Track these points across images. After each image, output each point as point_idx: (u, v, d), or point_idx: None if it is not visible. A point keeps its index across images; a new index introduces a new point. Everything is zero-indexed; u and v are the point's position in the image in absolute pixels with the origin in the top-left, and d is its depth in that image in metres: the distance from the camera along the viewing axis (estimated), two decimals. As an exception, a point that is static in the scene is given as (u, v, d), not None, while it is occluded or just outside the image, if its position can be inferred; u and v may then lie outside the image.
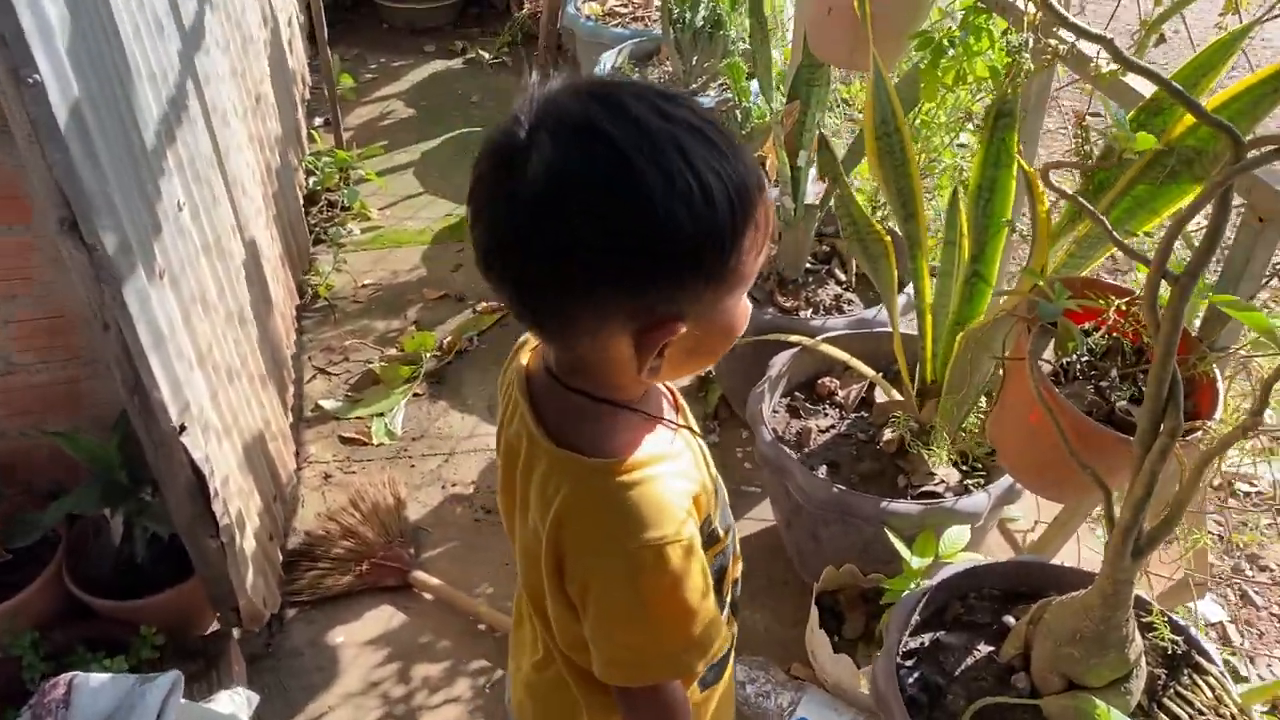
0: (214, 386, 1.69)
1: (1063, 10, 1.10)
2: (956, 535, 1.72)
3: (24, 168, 1.28)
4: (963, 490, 1.86)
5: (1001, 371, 1.86)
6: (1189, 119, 1.37)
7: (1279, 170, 1.29)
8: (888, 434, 1.98)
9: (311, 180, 3.37)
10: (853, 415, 2.06)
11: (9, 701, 1.65)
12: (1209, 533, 1.77)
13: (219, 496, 1.61)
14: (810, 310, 2.32)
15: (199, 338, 1.63)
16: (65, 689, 1.47)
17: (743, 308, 0.88)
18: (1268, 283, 1.36)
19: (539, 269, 0.81)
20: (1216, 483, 1.83)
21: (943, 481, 1.88)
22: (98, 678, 1.51)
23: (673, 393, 1.07)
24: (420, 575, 2.13)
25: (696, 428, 1.06)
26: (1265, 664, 2.18)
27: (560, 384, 0.93)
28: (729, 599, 1.11)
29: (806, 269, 2.40)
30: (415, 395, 2.66)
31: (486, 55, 4.58)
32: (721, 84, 3.25)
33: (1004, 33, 1.64)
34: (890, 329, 2.20)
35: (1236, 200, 1.17)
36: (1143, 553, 1.27)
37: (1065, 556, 1.98)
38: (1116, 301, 1.47)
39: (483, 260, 0.85)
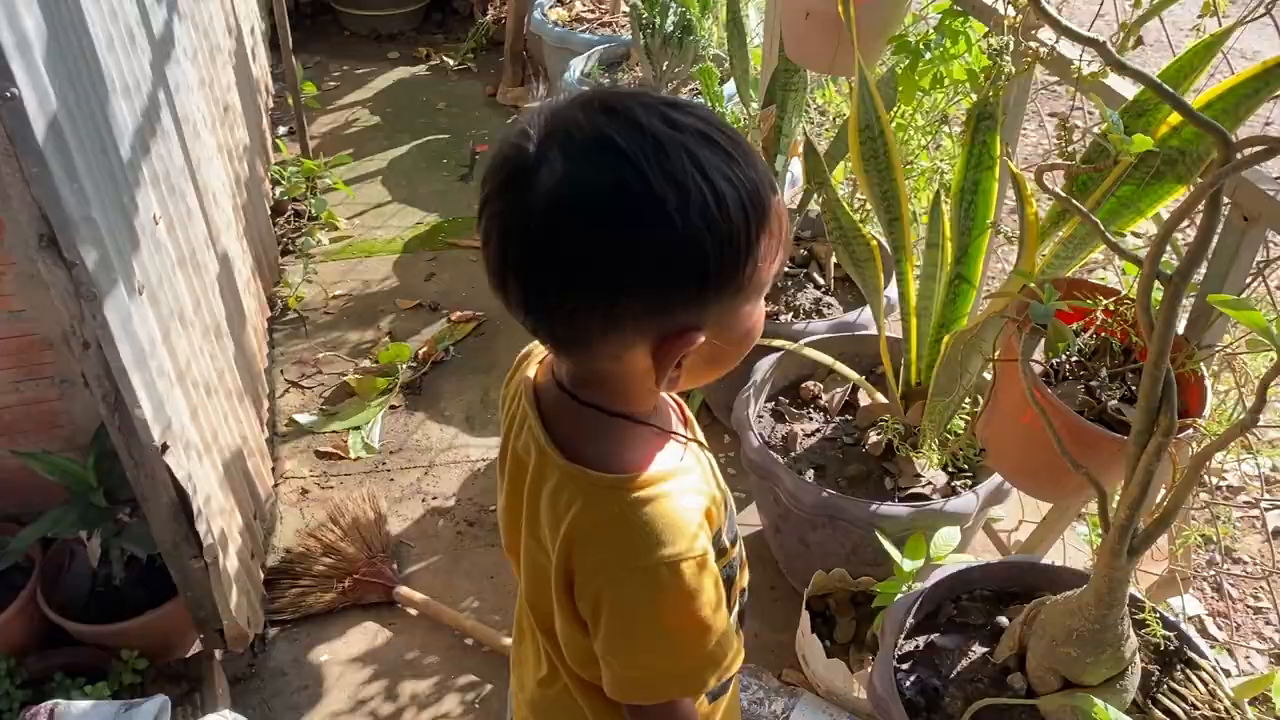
0: (193, 403, 1.65)
1: (1055, 14, 1.10)
2: (947, 537, 1.72)
3: (-1, 184, 1.25)
4: (950, 491, 1.86)
5: (989, 373, 1.88)
6: (1173, 120, 1.39)
7: (1263, 170, 1.31)
8: (873, 437, 1.98)
9: (278, 190, 3.32)
10: (837, 419, 2.07)
11: (-13, 732, 1.61)
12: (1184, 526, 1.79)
13: (202, 516, 1.58)
14: (790, 314, 2.32)
15: (178, 354, 1.59)
16: (48, 717, 1.44)
17: (760, 313, 0.88)
18: (1254, 281, 1.38)
19: (554, 285, 0.80)
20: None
21: (930, 483, 1.89)
22: (80, 705, 1.47)
23: (680, 405, 1.06)
24: (404, 590, 2.10)
25: (704, 440, 1.06)
26: (1243, 655, 2.21)
27: (572, 398, 0.92)
28: (737, 608, 1.10)
29: (786, 273, 2.40)
30: (392, 407, 2.63)
31: (451, 61, 4.55)
32: (692, 89, 3.26)
33: (984, 35, 1.65)
34: (871, 332, 2.21)
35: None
36: (1138, 551, 1.28)
37: (1050, 555, 1.99)
38: (1104, 301, 1.48)
39: (496, 276, 0.84)
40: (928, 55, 1.98)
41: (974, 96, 2.03)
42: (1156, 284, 1.15)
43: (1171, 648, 1.49)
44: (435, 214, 3.50)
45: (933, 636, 1.58)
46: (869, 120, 1.68)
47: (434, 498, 2.38)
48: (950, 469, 1.88)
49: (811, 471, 1.92)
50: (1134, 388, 1.47)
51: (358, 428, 2.54)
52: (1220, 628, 2.33)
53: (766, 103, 2.29)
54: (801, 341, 2.07)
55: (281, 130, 3.86)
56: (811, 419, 2.07)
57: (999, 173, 1.72)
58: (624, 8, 3.86)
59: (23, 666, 1.71)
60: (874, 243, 1.77)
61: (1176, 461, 1.26)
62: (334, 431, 2.54)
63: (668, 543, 0.87)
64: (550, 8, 3.89)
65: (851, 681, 1.80)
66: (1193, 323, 1.45)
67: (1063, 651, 1.38)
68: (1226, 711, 1.44)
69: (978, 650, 1.56)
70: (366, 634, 2.06)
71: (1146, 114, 1.41)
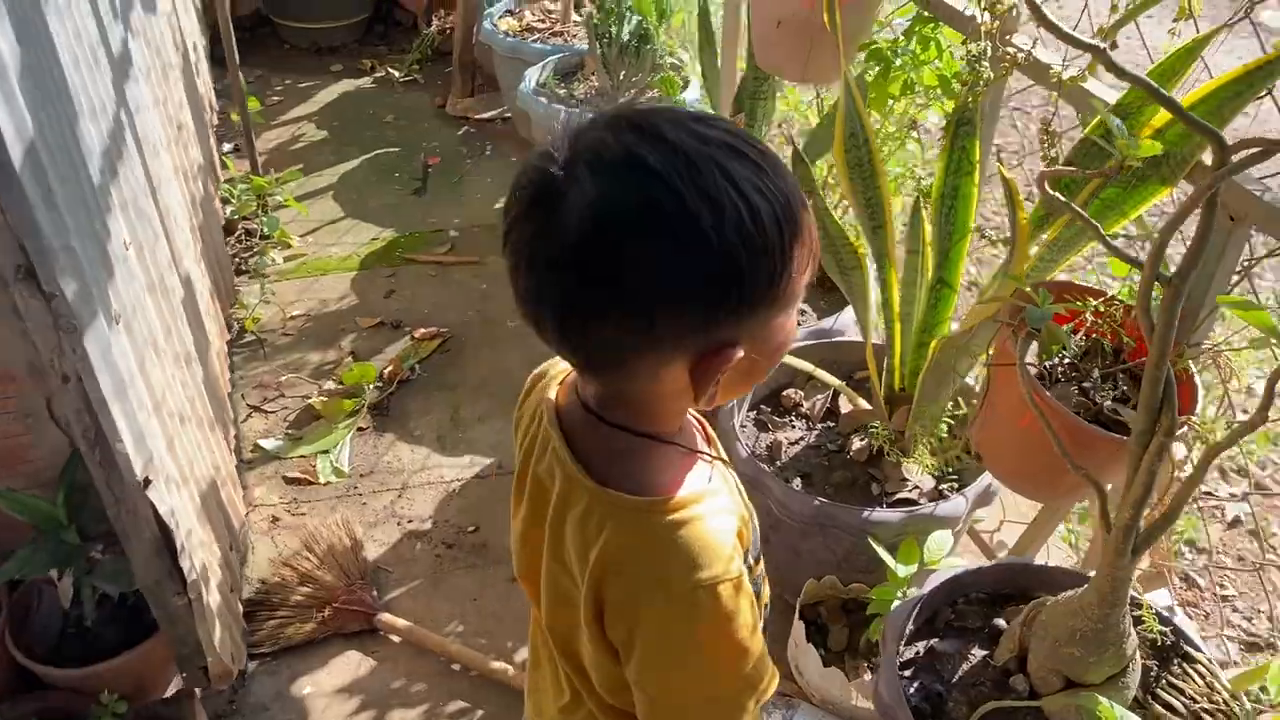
0: (169, 434, 1.59)
1: (1057, 23, 1.11)
2: (941, 541, 1.73)
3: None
4: (938, 495, 1.87)
5: (971, 377, 1.90)
6: (1157, 123, 1.41)
7: (1249, 171, 1.34)
8: (856, 443, 1.99)
9: (228, 209, 3.24)
10: (819, 426, 2.07)
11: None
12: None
13: (185, 551, 1.52)
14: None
15: (154, 383, 1.54)
16: (30, 771, 1.37)
17: (792, 324, 0.87)
18: (1240, 280, 1.40)
19: (591, 309, 0.78)
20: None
21: (917, 487, 1.90)
22: (63, 755, 1.40)
23: (702, 423, 1.04)
24: (386, 617, 2.05)
25: (727, 458, 1.04)
26: (1215, 645, 2.25)
27: (599, 419, 0.90)
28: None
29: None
30: (360, 429, 2.57)
31: (397, 73, 4.48)
32: (650, 98, 3.25)
33: (964, 43, 1.67)
34: (848, 338, 2.22)
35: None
36: (1140, 550, 1.30)
37: (1030, 554, 2.01)
38: (1094, 303, 1.50)
39: (528, 303, 0.82)
40: (898, 61, 2.01)
41: (944, 102, 2.06)
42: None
43: (1168, 643, 1.51)
44: (390, 229, 3.44)
45: (932, 642, 1.58)
46: (854, 128, 1.68)
47: (410, 521, 2.33)
48: (935, 472, 1.89)
49: (799, 480, 1.92)
50: (1126, 388, 1.50)
51: (326, 452, 2.48)
52: (1191, 618, 2.38)
53: (734, 111, 2.29)
54: (781, 350, 2.06)
55: (227, 147, 3.76)
56: (794, 427, 2.07)
57: (978, 178, 1.73)
58: (575, 17, 3.85)
59: (-7, 716, 1.64)
60: (862, 250, 1.78)
61: (1174, 462, 1.28)
62: (301, 456, 2.47)
63: (703, 566, 0.86)
64: (500, 18, 3.86)
65: (849, 690, 1.80)
66: (1182, 322, 1.47)
67: (1066, 652, 1.39)
68: (1225, 703, 1.46)
69: (978, 653, 1.56)
70: (349, 664, 2.01)
71: (1130, 118, 1.43)
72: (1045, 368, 1.51)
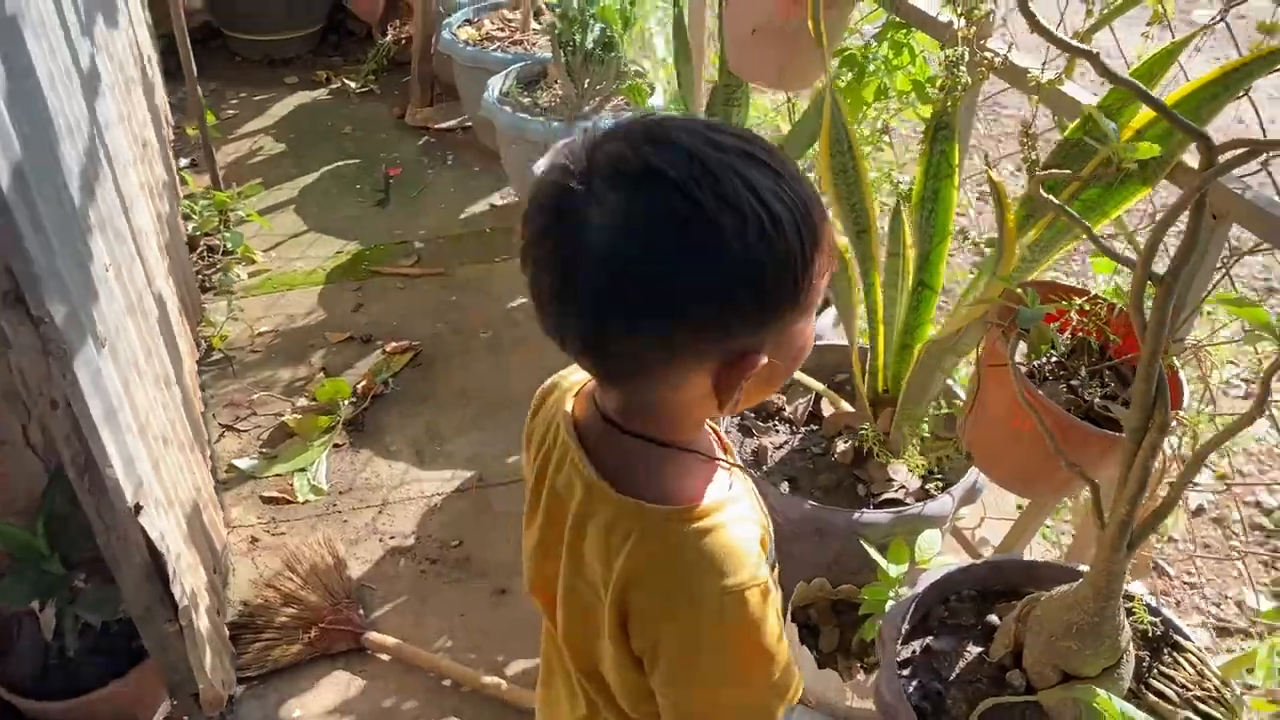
0: (155, 457, 1.56)
1: (1050, 28, 1.13)
2: (930, 540, 1.75)
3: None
4: (925, 494, 1.89)
5: (952, 379, 1.92)
6: (1136, 124, 1.44)
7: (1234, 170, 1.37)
8: (840, 445, 2.00)
9: (190, 225, 3.18)
10: (803, 429, 2.08)
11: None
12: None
13: (177, 577, 1.49)
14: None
15: (138, 406, 1.51)
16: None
17: (811, 328, 0.88)
18: (1223, 277, 1.44)
19: (617, 322, 0.78)
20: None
21: (903, 487, 1.92)
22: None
23: (717, 432, 1.05)
24: (374, 636, 2.03)
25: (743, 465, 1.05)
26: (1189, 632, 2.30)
27: (620, 430, 0.90)
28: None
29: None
30: (336, 446, 2.54)
31: (353, 84, 4.44)
32: (614, 106, 3.25)
33: (942, 48, 1.69)
34: (827, 342, 2.24)
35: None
36: (1135, 544, 1.32)
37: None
38: (1079, 301, 1.53)
39: (552, 318, 0.82)
40: (870, 67, 2.03)
41: (917, 107, 2.08)
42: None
43: (1158, 633, 1.53)
44: (355, 242, 3.41)
45: (928, 640, 1.60)
46: (838, 134, 1.70)
47: (392, 537, 2.30)
48: (923, 472, 1.92)
49: (786, 484, 1.93)
50: (1113, 385, 1.53)
51: (302, 469, 2.44)
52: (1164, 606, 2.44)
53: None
54: (763, 354, 2.07)
55: (183, 163, 3.70)
56: (778, 431, 2.08)
57: (958, 180, 1.76)
58: (534, 25, 3.84)
59: (-25, 753, 1.59)
60: (848, 254, 1.79)
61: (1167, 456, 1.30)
62: (278, 475, 2.43)
63: (729, 572, 0.86)
64: (459, 27, 3.83)
65: (844, 691, 1.81)
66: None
67: (1063, 646, 1.41)
68: (1216, 690, 1.49)
69: (973, 650, 1.58)
70: (338, 684, 1.98)
71: (1109, 119, 1.46)
72: (1034, 366, 1.53)
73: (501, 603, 2.13)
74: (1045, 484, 1.56)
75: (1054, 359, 1.54)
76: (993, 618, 1.60)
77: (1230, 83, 1.33)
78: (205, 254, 3.20)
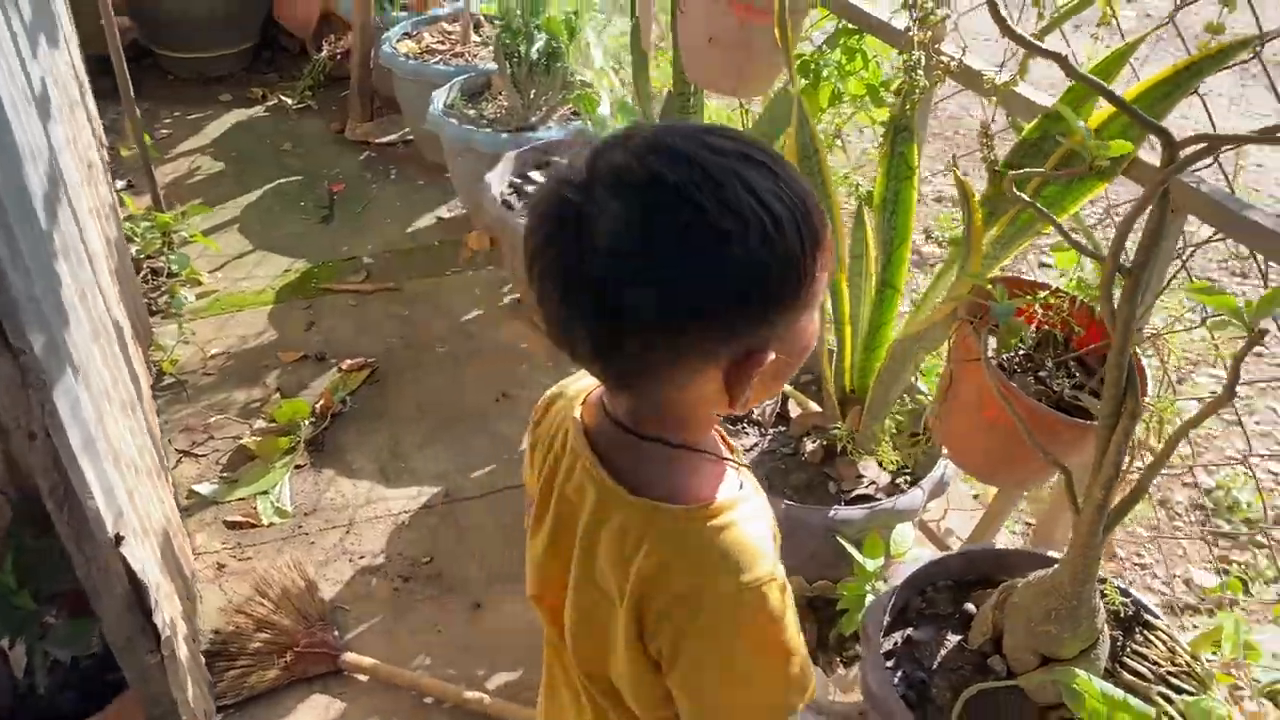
0: (129, 486, 1.53)
1: (1021, 32, 1.18)
2: (904, 534, 1.79)
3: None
4: (895, 489, 1.93)
5: (916, 375, 1.97)
6: (1093, 123, 1.49)
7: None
8: (809, 445, 2.04)
9: (133, 248, 3.11)
10: (772, 431, 2.11)
11: None
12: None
13: (159, 607, 1.46)
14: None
15: (110, 435, 1.47)
16: None
17: (815, 322, 0.89)
18: (1181, 268, 1.50)
19: (625, 329, 0.79)
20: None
21: (873, 483, 1.96)
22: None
23: (721, 433, 1.06)
24: (350, 657, 2.00)
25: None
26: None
27: (631, 434, 0.92)
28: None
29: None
30: (298, 467, 2.50)
31: (290, 100, 4.38)
32: (561, 116, 3.26)
33: (901, 52, 1.73)
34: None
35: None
36: (1110, 528, 1.37)
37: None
38: (1043, 295, 1.58)
39: (560, 327, 0.83)
40: (825, 73, 2.07)
41: (870, 111, 2.13)
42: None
43: (1129, 613, 1.59)
44: (302, 259, 3.36)
45: (909, 631, 1.63)
46: (805, 141, 1.73)
47: (361, 557, 2.27)
48: (894, 468, 1.96)
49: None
50: (1079, 375, 1.58)
51: (265, 492, 2.40)
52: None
53: (662, 127, 2.33)
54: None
55: (120, 184, 3.61)
56: (748, 434, 2.11)
57: (917, 181, 1.80)
58: (474, 38, 3.83)
59: (-53, 800, 1.54)
60: (818, 258, 1.82)
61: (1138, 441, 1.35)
62: (240, 499, 2.39)
63: (746, 568, 0.87)
64: (399, 40, 3.81)
65: (828, 686, 1.84)
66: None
67: (1042, 630, 1.45)
68: (1187, 665, 1.55)
69: (952, 639, 1.62)
70: (317, 709, 1.95)
71: (1066, 119, 1.51)
72: (1003, 360, 1.58)
73: (478, 617, 2.13)
74: (1017, 473, 1.61)
75: (1022, 352, 1.59)
76: (969, 606, 1.64)
77: (1181, 81, 1.39)
78: (150, 277, 3.13)
